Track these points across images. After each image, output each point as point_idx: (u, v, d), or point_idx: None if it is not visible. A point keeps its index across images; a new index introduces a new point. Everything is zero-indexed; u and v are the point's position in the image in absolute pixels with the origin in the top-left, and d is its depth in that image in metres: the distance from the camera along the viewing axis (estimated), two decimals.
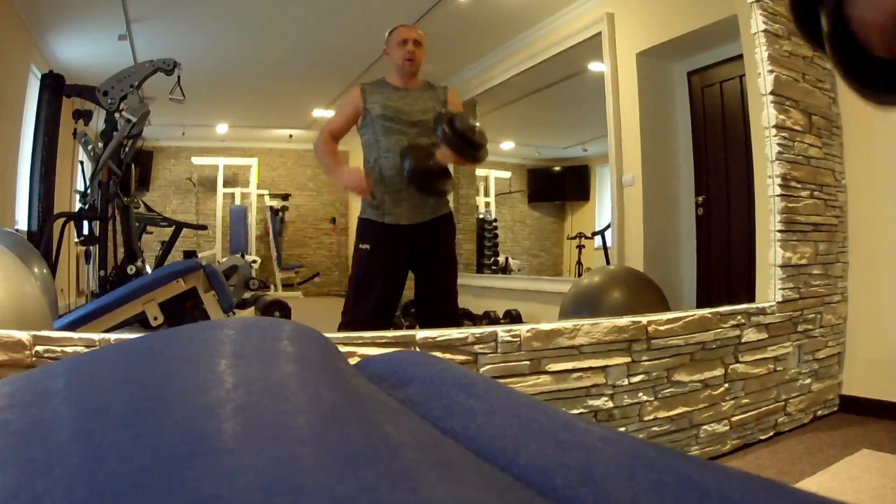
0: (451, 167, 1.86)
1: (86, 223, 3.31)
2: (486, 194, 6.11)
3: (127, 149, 3.16)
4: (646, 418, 1.52)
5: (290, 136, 6.70)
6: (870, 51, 0.48)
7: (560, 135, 6.24)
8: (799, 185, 1.93)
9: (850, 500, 1.26)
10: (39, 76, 3.53)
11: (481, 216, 5.62)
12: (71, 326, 2.17)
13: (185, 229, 3.98)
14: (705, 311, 1.65)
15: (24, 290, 1.30)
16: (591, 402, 1.44)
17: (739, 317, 1.71)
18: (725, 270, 2.90)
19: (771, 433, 1.81)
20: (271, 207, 6.62)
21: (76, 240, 3.68)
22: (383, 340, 1.26)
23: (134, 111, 3.06)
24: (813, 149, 2.00)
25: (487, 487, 0.24)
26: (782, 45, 1.92)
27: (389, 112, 1.78)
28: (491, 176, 6.21)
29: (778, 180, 1.87)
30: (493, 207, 6.09)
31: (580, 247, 5.64)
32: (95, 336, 1.13)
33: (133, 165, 3.32)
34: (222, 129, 6.34)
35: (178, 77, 3.15)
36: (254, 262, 4.68)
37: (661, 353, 1.54)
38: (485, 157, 1.82)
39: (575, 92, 4.37)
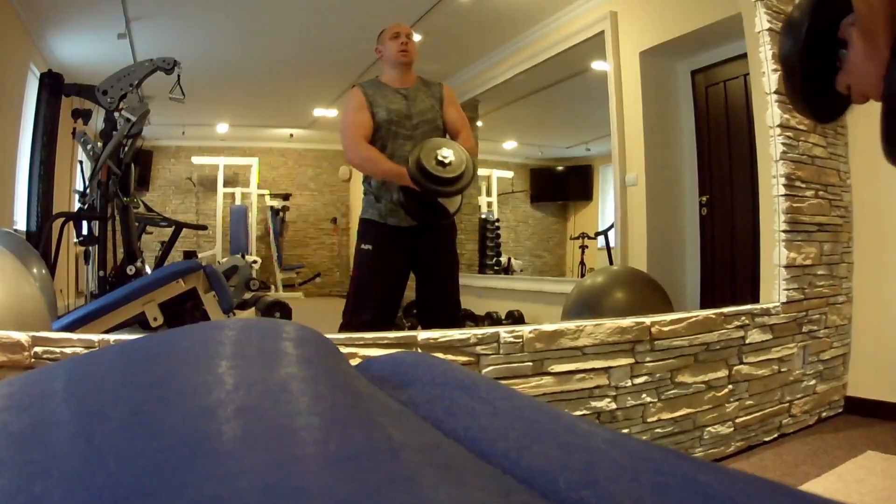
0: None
1: (85, 223, 3.30)
2: (489, 194, 6.11)
3: (126, 148, 3.15)
4: (649, 420, 1.51)
5: (291, 135, 6.70)
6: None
7: (563, 134, 6.23)
8: (803, 185, 1.92)
9: (855, 503, 1.25)
10: (38, 75, 3.51)
11: (483, 216, 5.62)
12: (70, 327, 2.17)
13: (185, 229, 3.98)
14: (709, 312, 1.64)
15: (22, 290, 1.30)
16: (594, 404, 1.43)
17: (743, 318, 1.70)
18: (729, 271, 2.89)
19: (775, 435, 1.81)
20: (272, 207, 6.62)
21: (75, 240, 3.68)
22: (385, 341, 1.26)
23: (133, 110, 3.05)
24: (817, 148, 1.99)
25: (490, 490, 0.24)
26: None
27: (394, 116, 1.78)
28: (493, 175, 6.21)
29: (782, 180, 1.86)
30: (495, 207, 6.09)
31: (583, 247, 5.63)
32: (95, 337, 1.13)
33: (133, 165, 3.30)
34: (222, 128, 6.34)
35: (178, 76, 3.14)
36: (254, 262, 4.68)
37: (665, 355, 1.54)
38: (461, 188, 1.68)
39: (578, 91, 4.37)
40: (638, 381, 1.49)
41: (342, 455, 0.22)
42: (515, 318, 3.83)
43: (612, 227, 3.38)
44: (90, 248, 3.51)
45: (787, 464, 1.61)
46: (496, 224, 5.69)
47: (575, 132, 5.99)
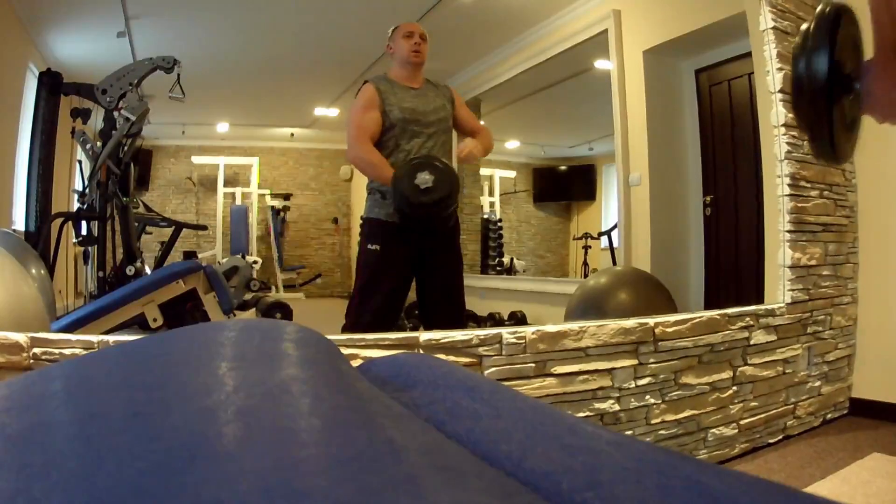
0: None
1: (84, 223, 3.28)
2: (491, 194, 6.10)
3: (126, 148, 3.14)
4: (653, 421, 1.51)
5: (292, 134, 6.70)
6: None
7: (566, 133, 6.22)
8: (808, 185, 1.91)
9: None
10: (37, 74, 3.48)
11: (486, 216, 5.61)
12: (69, 328, 2.18)
13: (184, 230, 3.98)
14: (713, 313, 1.64)
15: (21, 291, 1.30)
16: (597, 405, 1.43)
17: (748, 318, 1.70)
18: (733, 271, 2.88)
19: (780, 437, 1.80)
20: (272, 207, 6.62)
21: (74, 240, 3.67)
22: (386, 342, 1.25)
23: (133, 109, 3.04)
24: None
25: (492, 492, 0.23)
26: (791, 42, 1.90)
27: (407, 115, 1.78)
28: (496, 175, 6.20)
29: (787, 180, 1.85)
30: (497, 207, 6.08)
31: (586, 247, 5.62)
32: (94, 338, 1.12)
33: (132, 164, 3.30)
34: (223, 127, 6.33)
35: (178, 75, 3.13)
36: (255, 262, 4.68)
37: (669, 356, 1.53)
38: (441, 212, 1.67)
39: (581, 90, 4.36)
40: (641, 382, 1.48)
41: (343, 457, 0.22)
42: (518, 319, 3.82)
43: (615, 227, 3.37)
44: (89, 248, 3.51)
45: (792, 466, 1.60)
46: (498, 224, 5.68)
47: (578, 131, 5.98)
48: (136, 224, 3.46)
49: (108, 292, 2.79)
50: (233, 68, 4.52)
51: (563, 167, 6.62)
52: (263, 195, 6.62)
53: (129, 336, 1.90)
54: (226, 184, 6.46)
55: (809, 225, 1.91)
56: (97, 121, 3.30)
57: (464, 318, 1.92)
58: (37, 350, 1.08)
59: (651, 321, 1.51)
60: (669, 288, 2.15)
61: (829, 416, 1.96)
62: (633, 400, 1.47)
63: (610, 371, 1.44)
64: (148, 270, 3.45)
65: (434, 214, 1.70)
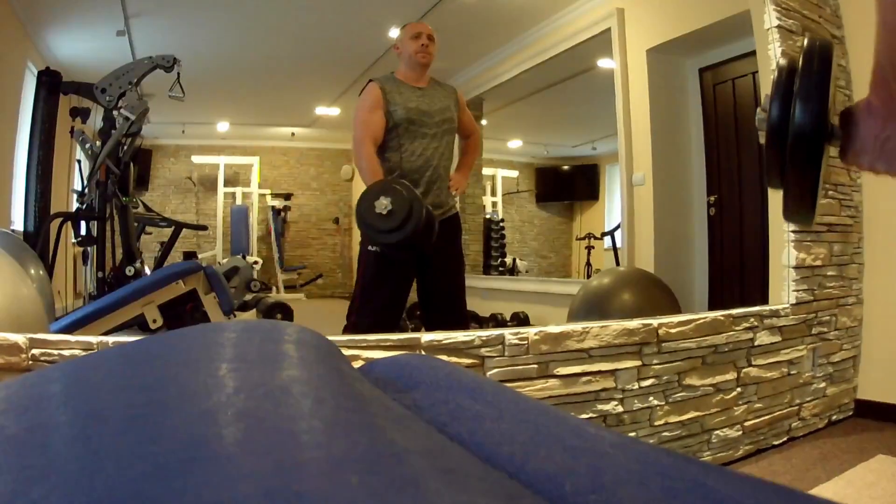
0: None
1: (83, 223, 3.26)
2: (493, 194, 6.10)
3: (125, 147, 3.12)
4: (656, 423, 1.50)
5: (293, 134, 6.70)
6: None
7: (569, 133, 6.21)
8: None
9: None
10: (36, 73, 3.47)
11: (488, 216, 5.61)
12: (68, 329, 2.17)
13: (184, 230, 3.97)
14: (717, 314, 1.63)
15: (20, 292, 1.30)
16: (600, 407, 1.42)
17: (752, 319, 1.69)
18: (738, 272, 2.86)
19: (784, 438, 1.79)
20: (273, 207, 6.62)
21: (73, 240, 3.66)
22: (388, 343, 1.25)
23: (133, 109, 3.03)
24: None
25: (495, 495, 0.23)
26: (796, 41, 1.89)
27: (413, 115, 1.78)
28: (498, 175, 6.20)
29: None
30: (500, 207, 6.08)
31: (589, 248, 5.61)
32: (93, 339, 1.12)
33: (132, 164, 3.28)
34: (223, 126, 6.32)
35: (178, 74, 3.11)
36: (255, 263, 4.68)
37: (673, 357, 1.52)
38: (402, 239, 1.61)
39: (584, 89, 4.35)
40: (645, 383, 1.48)
41: (345, 459, 0.22)
42: (520, 320, 3.82)
43: (618, 227, 3.36)
44: (88, 248, 3.50)
45: (797, 468, 1.59)
46: (501, 224, 5.68)
47: (581, 131, 5.97)
48: (136, 224, 3.46)
49: (108, 293, 2.79)
50: (233, 67, 4.52)
51: (565, 167, 6.61)
52: (264, 195, 6.62)
53: (128, 337, 1.90)
54: (226, 183, 6.46)
55: (814, 225, 1.90)
56: (96, 120, 3.29)
57: (466, 319, 1.92)
58: (35, 351, 1.07)
59: (654, 322, 1.50)
60: (673, 288, 2.14)
61: (834, 417, 1.95)
62: (636, 401, 1.47)
63: (613, 372, 1.44)
64: (147, 271, 3.45)
65: (406, 243, 1.62)
